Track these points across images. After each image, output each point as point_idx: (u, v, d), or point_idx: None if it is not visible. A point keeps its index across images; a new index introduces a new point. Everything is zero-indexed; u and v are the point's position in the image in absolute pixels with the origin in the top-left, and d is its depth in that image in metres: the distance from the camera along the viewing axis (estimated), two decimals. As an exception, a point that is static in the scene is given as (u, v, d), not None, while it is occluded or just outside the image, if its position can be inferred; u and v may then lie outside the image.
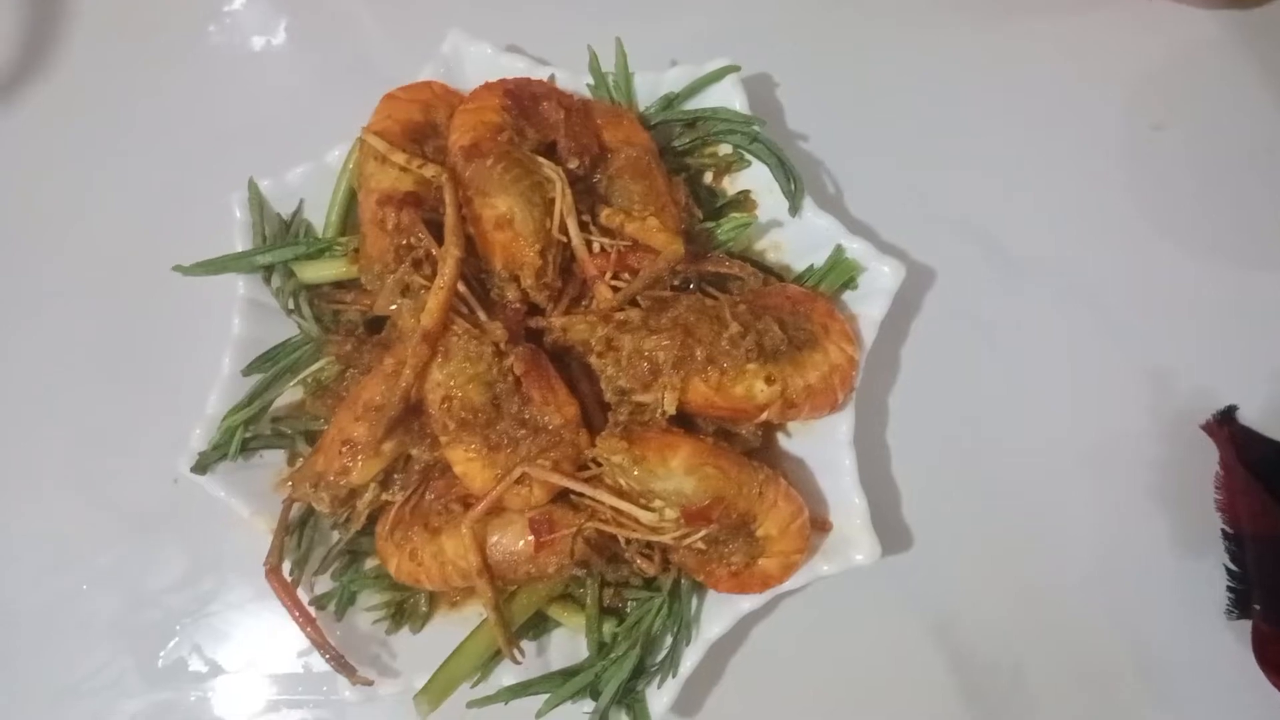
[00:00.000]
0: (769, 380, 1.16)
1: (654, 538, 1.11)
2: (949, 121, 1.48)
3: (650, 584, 1.22)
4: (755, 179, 1.32)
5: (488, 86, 1.24)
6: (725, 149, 1.33)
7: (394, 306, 1.13)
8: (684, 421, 1.20)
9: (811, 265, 1.29)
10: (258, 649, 1.37)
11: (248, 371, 1.27)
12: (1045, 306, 1.41)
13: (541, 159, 1.16)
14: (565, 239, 1.14)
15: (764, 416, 1.19)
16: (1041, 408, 1.38)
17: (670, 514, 1.11)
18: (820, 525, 1.24)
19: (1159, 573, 1.33)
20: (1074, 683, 1.30)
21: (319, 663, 1.21)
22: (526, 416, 1.10)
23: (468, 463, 1.11)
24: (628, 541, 1.14)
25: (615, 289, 1.14)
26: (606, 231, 1.18)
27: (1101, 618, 1.32)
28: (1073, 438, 1.37)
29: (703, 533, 1.11)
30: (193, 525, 1.38)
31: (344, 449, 1.15)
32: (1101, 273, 1.43)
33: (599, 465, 1.11)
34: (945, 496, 1.35)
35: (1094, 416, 1.38)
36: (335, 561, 1.28)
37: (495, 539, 1.14)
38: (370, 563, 1.29)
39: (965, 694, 1.31)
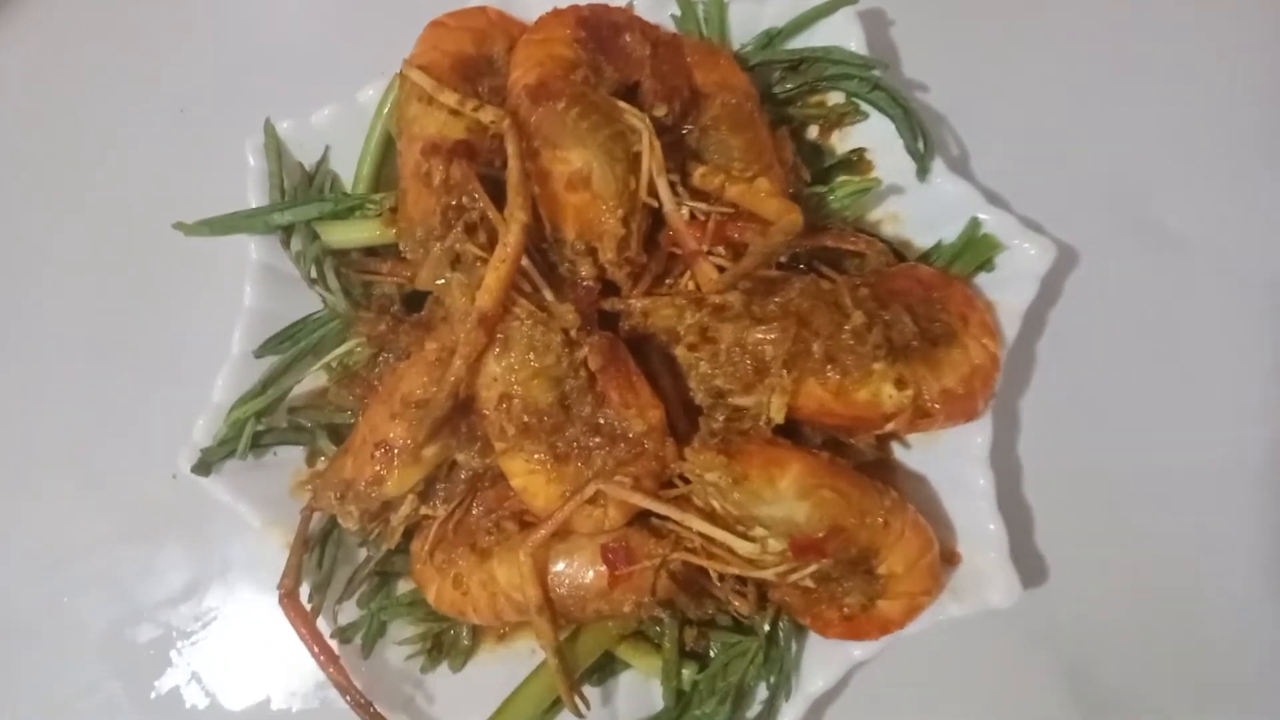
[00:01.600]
0: (900, 384, 1.00)
1: (753, 573, 0.98)
2: (1101, 74, 1.30)
3: (742, 625, 1.08)
4: (872, 135, 1.18)
5: (557, 14, 1.09)
6: (836, 98, 1.19)
7: (441, 281, 0.99)
8: (789, 430, 1.04)
9: (940, 242, 1.15)
10: (268, 681, 1.23)
11: (261, 352, 1.15)
12: (1208, 293, 1.23)
13: (622, 104, 1.02)
14: (653, 203, 1.00)
15: (889, 427, 1.02)
16: (1204, 413, 1.21)
17: (775, 545, 0.97)
18: (947, 557, 1.08)
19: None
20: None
21: (341, 700, 1.07)
22: (601, 421, 0.97)
23: (529, 476, 0.98)
24: (721, 576, 1.00)
25: (719, 268, 0.99)
26: (700, 194, 1.04)
27: (1273, 667, 1.14)
28: (1240, 450, 1.20)
29: (813, 568, 0.97)
30: (197, 525, 1.27)
31: (377, 452, 1.03)
32: (1275, 254, 1.23)
33: (688, 483, 0.99)
34: (1088, 520, 1.19)
35: (1266, 424, 1.19)
36: (362, 585, 1.15)
37: (559, 568, 1.01)
38: (404, 586, 1.17)
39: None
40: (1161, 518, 1.19)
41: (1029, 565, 1.17)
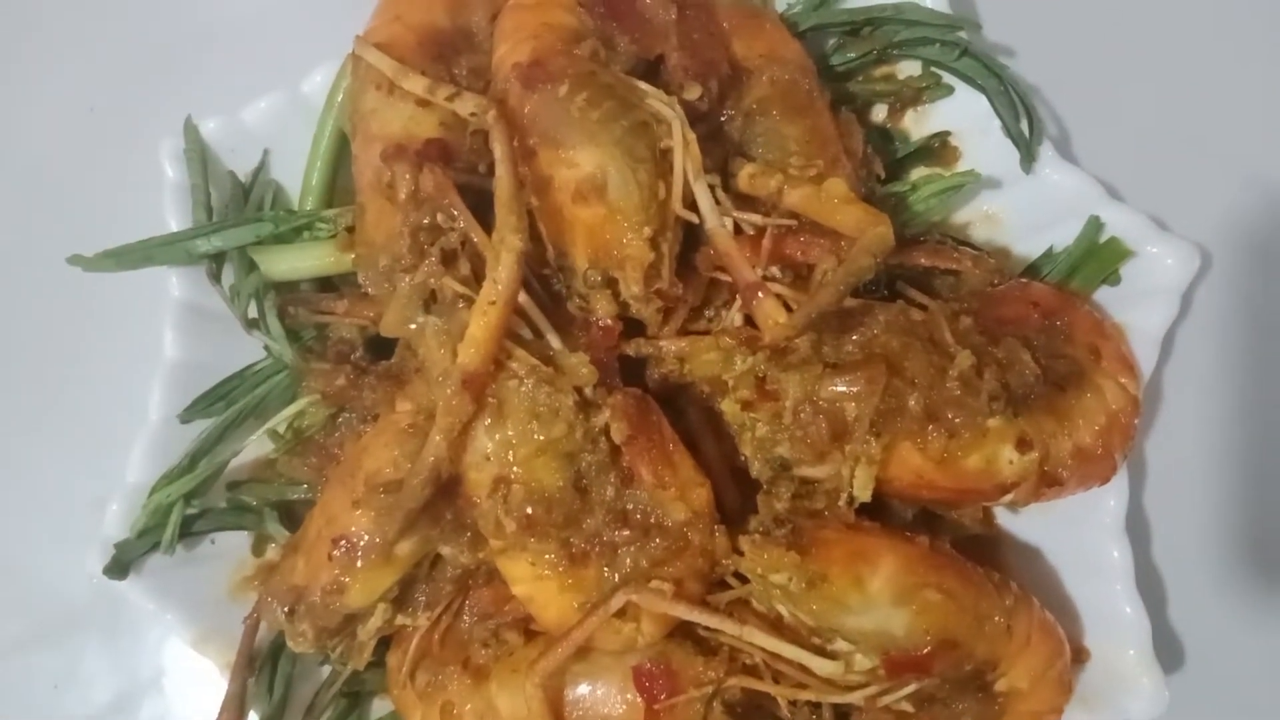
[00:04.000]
0: (1022, 445, 0.86)
1: (834, 699, 0.84)
2: (1242, 35, 1.15)
3: None
4: (957, 114, 1.05)
5: None
6: (910, 69, 1.08)
7: (413, 326, 0.87)
8: (873, 507, 0.90)
9: (1050, 248, 1.03)
10: None
11: (188, 416, 1.03)
12: None
13: (643, 85, 0.90)
14: (689, 217, 0.87)
15: (1006, 500, 0.88)
16: None
17: (863, 662, 0.83)
18: (1073, 654, 0.95)
19: None
20: None
21: None
22: (630, 507, 0.84)
23: (535, 583, 0.85)
24: (793, 703, 0.87)
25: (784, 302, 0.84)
26: (748, 201, 0.91)
27: None
28: None
29: (913, 689, 0.83)
30: (123, 626, 1.13)
31: (336, 551, 0.89)
32: None
33: (745, 581, 0.86)
34: (1236, 591, 1.05)
35: None
36: (327, 710, 1.02)
37: (579, 694, 0.88)
38: (380, 707, 1.04)
39: None
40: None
41: (1168, 652, 1.02)
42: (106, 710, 1.13)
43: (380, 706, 1.04)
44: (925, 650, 0.82)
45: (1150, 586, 1.04)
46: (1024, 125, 0.99)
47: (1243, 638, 1.05)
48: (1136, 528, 1.04)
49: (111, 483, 1.00)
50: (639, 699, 0.85)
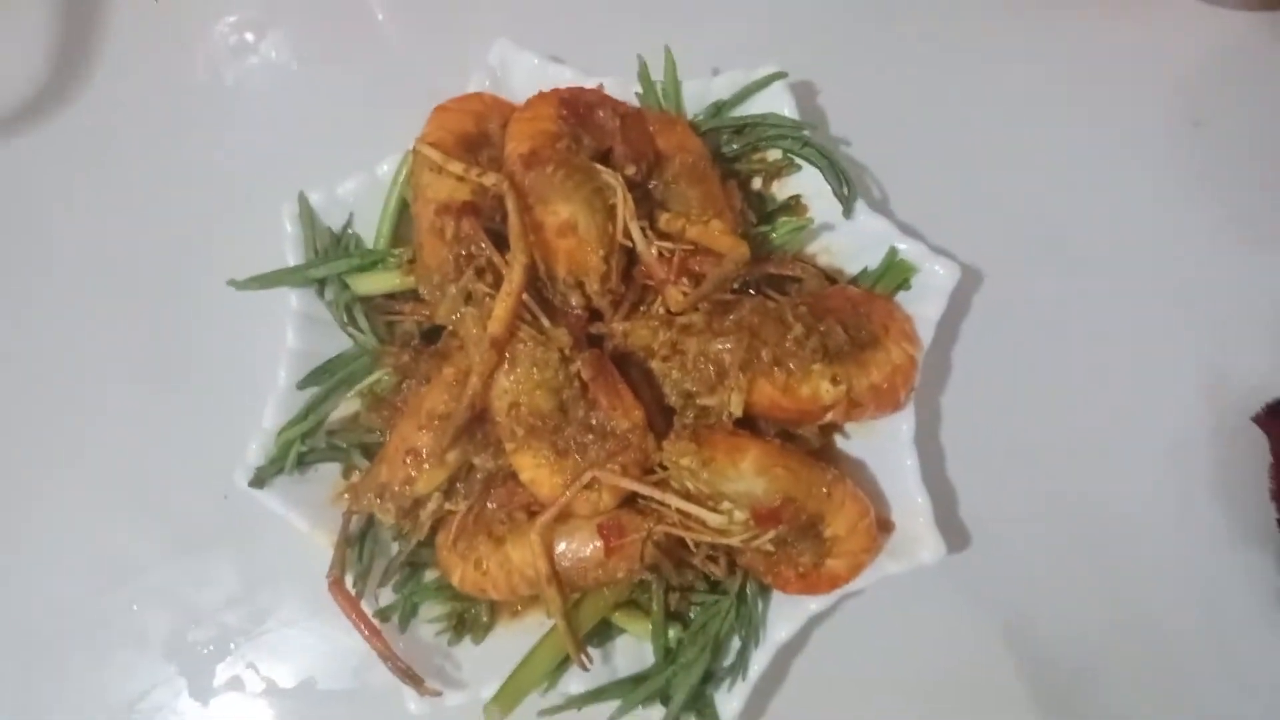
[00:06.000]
0: (835, 380, 1.16)
1: (722, 540, 1.10)
2: (994, 121, 1.47)
3: (716, 587, 1.21)
4: (805, 183, 1.32)
5: (542, 96, 1.24)
6: (774, 154, 1.33)
7: (456, 316, 1.12)
8: (747, 424, 1.19)
9: (865, 268, 1.29)
10: (314, 666, 1.36)
11: (303, 385, 1.26)
12: (1096, 303, 1.40)
13: (599, 166, 1.16)
14: (628, 244, 1.13)
15: (829, 417, 1.19)
16: (1096, 406, 1.37)
17: (739, 516, 1.10)
18: (883, 526, 1.22)
19: (1223, 566, 1.33)
20: (1144, 677, 1.30)
21: (377, 678, 1.21)
22: (594, 421, 1.09)
23: (536, 469, 1.11)
24: (696, 545, 1.14)
25: (684, 293, 1.14)
26: (665, 236, 1.16)
27: (1168, 612, 1.31)
28: (1130, 434, 1.34)
29: (771, 534, 1.10)
30: (244, 541, 1.38)
31: (408, 459, 1.15)
32: (1152, 268, 1.39)
33: (665, 469, 1.11)
34: (1005, 496, 1.34)
35: (1151, 412, 1.36)
36: (396, 575, 1.26)
37: (563, 546, 1.13)
38: (430, 575, 1.28)
39: (1033, 687, 1.30)
40: (1067, 492, 1.34)
41: (957, 535, 1.32)
42: (233, 598, 1.36)
43: (429, 575, 1.26)
44: (776, 505, 1.08)
45: (945, 490, 1.34)
46: (845, 189, 1.24)
47: (1004, 525, 1.33)
48: (934, 453, 1.35)
49: (235, 435, 1.24)
50: (601, 543, 1.09)
